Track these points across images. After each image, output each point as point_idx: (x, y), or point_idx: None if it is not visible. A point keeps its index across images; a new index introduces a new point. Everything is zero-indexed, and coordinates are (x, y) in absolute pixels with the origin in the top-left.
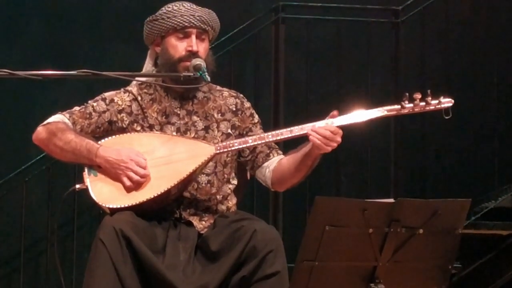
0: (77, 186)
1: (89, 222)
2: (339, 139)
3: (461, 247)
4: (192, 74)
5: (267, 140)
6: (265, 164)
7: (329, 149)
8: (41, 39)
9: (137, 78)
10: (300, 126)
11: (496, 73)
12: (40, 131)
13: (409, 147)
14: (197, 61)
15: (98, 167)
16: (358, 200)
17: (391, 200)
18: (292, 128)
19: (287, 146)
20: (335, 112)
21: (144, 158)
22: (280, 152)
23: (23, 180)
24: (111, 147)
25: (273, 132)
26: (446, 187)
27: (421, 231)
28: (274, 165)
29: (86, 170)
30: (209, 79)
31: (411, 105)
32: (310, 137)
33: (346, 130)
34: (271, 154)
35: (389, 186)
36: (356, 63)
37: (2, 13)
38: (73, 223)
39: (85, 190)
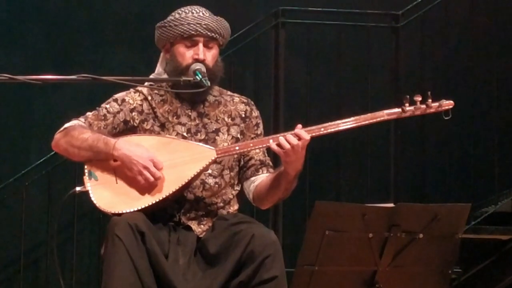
0: (78, 188)
1: (89, 226)
2: (299, 150)
3: (461, 252)
4: (191, 79)
5: (267, 144)
6: (253, 178)
7: (287, 159)
8: (41, 43)
9: (139, 83)
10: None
11: (496, 78)
12: (57, 138)
13: (409, 151)
14: (196, 66)
15: (100, 171)
16: (358, 204)
17: (391, 204)
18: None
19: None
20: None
21: (162, 162)
22: (271, 170)
23: (23, 185)
24: (130, 142)
25: (274, 136)
26: (446, 192)
27: (421, 235)
28: (259, 181)
29: (86, 173)
30: (208, 83)
31: (412, 108)
32: (271, 146)
33: (346, 133)
34: (260, 170)
35: (389, 190)
36: (356, 67)
37: (2, 17)
38: (74, 226)
39: (86, 193)
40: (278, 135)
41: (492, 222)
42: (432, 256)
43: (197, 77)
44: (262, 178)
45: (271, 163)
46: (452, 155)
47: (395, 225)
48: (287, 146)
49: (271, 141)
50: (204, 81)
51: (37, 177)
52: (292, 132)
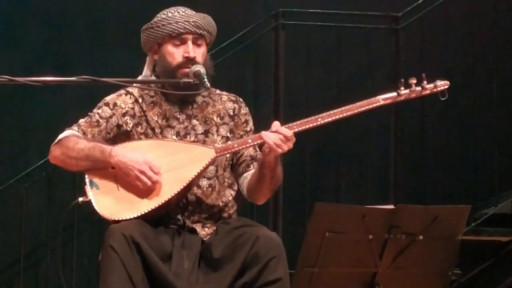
0: (80, 199)
1: (88, 228)
2: (291, 144)
3: (461, 254)
4: (192, 80)
5: (264, 139)
6: (245, 174)
7: (280, 150)
8: (41, 45)
9: (136, 85)
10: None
11: (496, 79)
12: (54, 150)
13: (409, 152)
14: (196, 68)
15: (100, 180)
16: (357, 206)
17: (391, 206)
18: (291, 124)
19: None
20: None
21: (159, 165)
22: None
23: (23, 187)
24: (125, 148)
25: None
26: (446, 193)
27: (421, 237)
28: (250, 176)
29: (87, 183)
30: (209, 85)
31: (407, 91)
32: (264, 137)
33: (346, 134)
34: (251, 165)
35: (389, 192)
36: (356, 69)
37: (2, 18)
38: (74, 228)
39: (88, 202)
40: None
41: (492, 224)
42: (432, 257)
43: (197, 79)
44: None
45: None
46: (452, 156)
47: (395, 227)
48: (282, 140)
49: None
50: (205, 83)
51: (37, 178)
52: (275, 130)
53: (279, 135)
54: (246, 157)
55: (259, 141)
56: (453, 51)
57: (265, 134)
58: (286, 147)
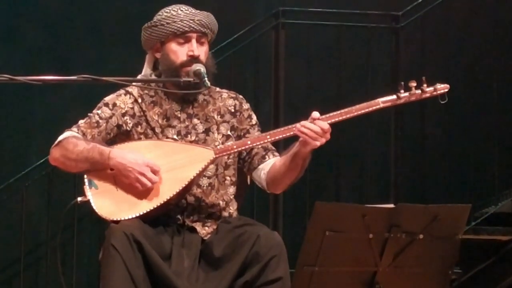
0: (79, 199)
1: (89, 228)
2: (328, 136)
3: (461, 253)
4: (192, 79)
5: (266, 140)
6: (261, 166)
7: (318, 144)
8: (41, 44)
9: (136, 84)
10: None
11: (496, 79)
12: (54, 152)
13: (409, 151)
14: (197, 67)
15: (99, 180)
16: (358, 205)
17: (391, 205)
18: (289, 126)
19: (286, 147)
20: (315, 114)
21: (159, 166)
22: (276, 154)
23: (23, 186)
24: (124, 149)
25: (271, 132)
26: (446, 192)
27: (421, 236)
28: (269, 167)
29: (86, 183)
30: (209, 84)
31: (407, 94)
32: (299, 132)
33: (346, 134)
34: (266, 156)
35: (389, 191)
36: (356, 68)
37: (2, 17)
38: (74, 227)
39: (87, 202)
40: (275, 130)
41: (492, 223)
42: (432, 256)
43: (197, 78)
44: (271, 163)
45: (273, 147)
46: (452, 156)
47: (395, 226)
48: (319, 131)
49: (297, 125)
50: (204, 82)
51: (37, 177)
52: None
53: (316, 128)
54: (259, 149)
55: (258, 143)
56: (453, 51)
57: (301, 127)
58: (324, 139)
